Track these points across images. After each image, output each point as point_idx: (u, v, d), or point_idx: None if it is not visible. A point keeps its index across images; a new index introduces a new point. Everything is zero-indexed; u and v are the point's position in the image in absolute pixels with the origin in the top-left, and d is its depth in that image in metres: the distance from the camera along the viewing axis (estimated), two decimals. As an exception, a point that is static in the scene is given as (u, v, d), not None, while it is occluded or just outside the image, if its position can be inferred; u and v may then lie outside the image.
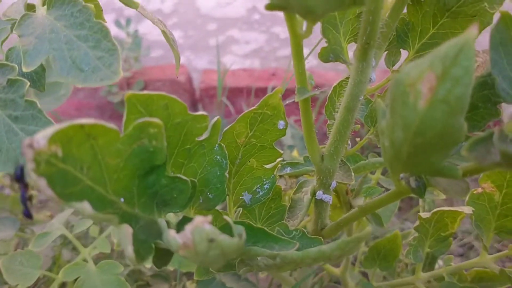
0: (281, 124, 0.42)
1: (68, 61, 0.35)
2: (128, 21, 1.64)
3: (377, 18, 0.35)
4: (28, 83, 0.35)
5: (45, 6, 0.38)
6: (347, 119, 0.41)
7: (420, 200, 1.00)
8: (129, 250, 0.27)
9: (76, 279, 0.61)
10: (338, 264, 0.81)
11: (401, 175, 0.36)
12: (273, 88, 1.27)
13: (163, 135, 0.30)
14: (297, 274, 0.67)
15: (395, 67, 0.49)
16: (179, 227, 0.35)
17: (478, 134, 0.39)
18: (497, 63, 0.32)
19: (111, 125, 0.28)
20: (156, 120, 0.30)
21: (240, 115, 0.41)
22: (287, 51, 1.89)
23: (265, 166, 0.45)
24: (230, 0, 2.32)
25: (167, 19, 2.21)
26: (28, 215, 0.38)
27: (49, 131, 0.24)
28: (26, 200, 0.37)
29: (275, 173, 0.46)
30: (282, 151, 0.45)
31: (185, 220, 0.36)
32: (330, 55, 0.46)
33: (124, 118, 0.31)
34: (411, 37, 0.47)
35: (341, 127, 0.42)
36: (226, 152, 0.39)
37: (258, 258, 0.35)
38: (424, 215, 0.53)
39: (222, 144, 0.39)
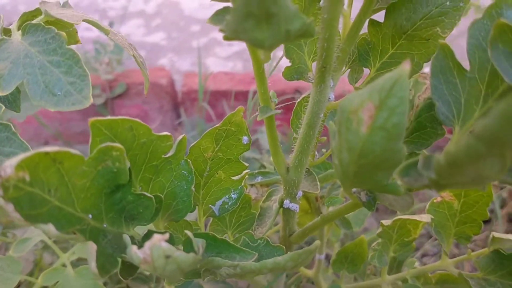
0: (245, 139, 0.44)
1: (41, 85, 0.37)
2: (111, 23, 1.65)
3: (332, 45, 0.38)
4: (3, 107, 0.37)
5: (20, 31, 0.41)
6: (309, 134, 0.44)
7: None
8: (93, 266, 0.30)
9: (55, 284, 0.63)
10: (311, 266, 0.84)
11: (353, 189, 0.39)
12: (254, 92, 1.30)
13: (125, 158, 0.33)
14: (269, 275, 0.70)
15: (358, 83, 0.52)
16: (144, 240, 0.37)
17: (424, 152, 0.42)
18: (437, 89, 0.35)
19: (75, 151, 0.30)
20: (117, 144, 0.32)
21: (205, 132, 0.44)
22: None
23: (233, 177, 0.48)
24: (214, 2, 2.33)
25: (150, 21, 2.22)
26: None
27: (15, 159, 0.27)
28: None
29: (242, 184, 0.49)
30: (260, 155, 0.48)
31: (149, 234, 0.38)
32: (294, 74, 0.48)
33: (90, 141, 0.34)
34: (372, 56, 0.50)
35: (303, 142, 0.45)
36: (192, 167, 0.42)
37: (221, 268, 0.37)
38: (386, 222, 0.55)
39: (188, 160, 0.41)
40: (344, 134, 0.32)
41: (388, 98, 0.29)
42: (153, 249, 0.29)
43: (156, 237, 0.29)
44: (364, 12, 0.40)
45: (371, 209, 0.37)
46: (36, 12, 0.42)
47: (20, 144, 0.36)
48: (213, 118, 1.37)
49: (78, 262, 0.74)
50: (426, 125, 0.40)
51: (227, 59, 1.93)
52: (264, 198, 0.55)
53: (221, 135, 0.44)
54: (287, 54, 0.48)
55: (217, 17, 0.34)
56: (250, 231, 0.49)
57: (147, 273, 0.70)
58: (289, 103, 0.56)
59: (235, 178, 0.48)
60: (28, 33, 0.40)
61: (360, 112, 0.30)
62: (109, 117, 0.34)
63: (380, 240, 0.59)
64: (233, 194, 0.48)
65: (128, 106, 1.47)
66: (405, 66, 0.29)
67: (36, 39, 0.39)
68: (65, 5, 0.43)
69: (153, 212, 0.37)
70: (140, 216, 0.38)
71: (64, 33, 0.38)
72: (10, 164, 0.26)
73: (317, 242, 0.34)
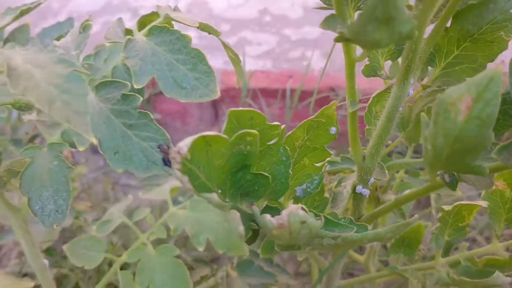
0: (332, 130, 0.51)
1: (170, 80, 0.44)
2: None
3: (418, 47, 0.44)
4: (141, 98, 0.43)
5: (142, 32, 0.47)
6: (388, 126, 0.50)
7: (432, 200, 1.09)
8: (241, 229, 0.36)
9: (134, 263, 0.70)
10: (362, 252, 0.90)
11: (438, 172, 0.45)
12: (291, 90, 1.36)
13: (257, 143, 0.39)
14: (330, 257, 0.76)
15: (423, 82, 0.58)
16: (263, 212, 0.44)
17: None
18: (515, 86, 0.41)
19: (224, 135, 0.36)
20: (253, 131, 0.38)
21: (301, 123, 0.50)
22: (298, 52, 1.97)
23: (316, 164, 0.54)
24: (242, 2, 2.40)
25: (181, 20, 2.29)
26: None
27: (187, 141, 0.33)
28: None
29: (323, 170, 0.55)
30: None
31: (268, 208, 0.44)
32: (370, 71, 0.54)
33: (224, 127, 0.40)
34: (437, 57, 0.55)
35: (381, 133, 0.51)
36: (289, 153, 0.48)
37: (324, 238, 0.44)
38: (446, 207, 0.61)
39: (287, 147, 0.48)
40: (441, 123, 0.38)
41: (485, 92, 0.35)
42: (290, 215, 0.35)
43: (293, 206, 0.35)
44: (445, 18, 0.45)
45: (453, 188, 0.43)
46: (153, 15, 0.49)
47: (157, 129, 0.43)
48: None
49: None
50: (498, 118, 0.46)
51: (257, 58, 1.99)
52: (335, 184, 0.61)
53: (313, 125, 0.50)
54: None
55: (327, 22, 0.40)
56: (334, 211, 0.55)
57: (220, 252, 0.76)
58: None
59: (317, 164, 0.54)
60: (153, 34, 0.46)
61: (458, 103, 0.36)
62: (237, 109, 0.40)
63: (438, 224, 0.64)
64: (315, 179, 0.54)
65: (168, 101, 1.54)
66: (499, 66, 0.35)
67: (161, 39, 0.45)
68: (176, 9, 0.49)
69: (266, 190, 0.43)
70: (254, 193, 0.44)
71: (189, 35, 0.44)
72: (185, 144, 0.33)
73: (416, 216, 0.40)
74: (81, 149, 0.43)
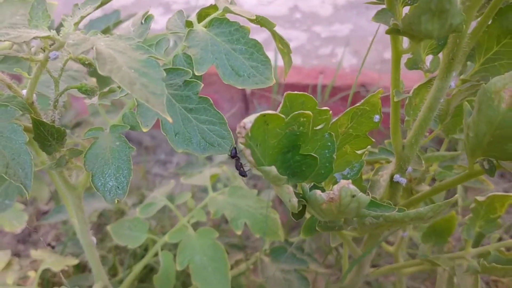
0: (376, 117, 0.53)
1: (228, 68, 0.47)
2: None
3: (462, 41, 0.46)
4: (202, 84, 0.47)
5: (202, 23, 0.50)
6: (428, 117, 0.53)
7: (459, 198, 1.11)
8: (294, 201, 0.39)
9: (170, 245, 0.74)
10: (392, 243, 0.92)
11: (477, 160, 0.48)
12: (322, 86, 1.38)
13: (310, 123, 0.42)
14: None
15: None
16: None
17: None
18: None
19: (281, 114, 0.40)
20: (307, 112, 0.41)
21: (345, 110, 0.53)
22: (328, 49, 2.00)
23: (357, 151, 0.57)
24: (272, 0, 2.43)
25: (212, 16, 2.33)
26: (244, 175, 0.51)
27: (251, 118, 0.37)
28: (240, 167, 0.50)
29: (363, 158, 0.57)
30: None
31: (314, 187, 0.48)
32: (413, 64, 0.57)
33: (279, 109, 0.43)
34: (477, 52, 0.58)
35: (422, 123, 0.54)
36: (334, 139, 0.51)
37: (366, 217, 0.46)
38: (480, 198, 0.63)
39: (332, 133, 0.50)
40: (484, 110, 0.40)
41: (528, 82, 0.37)
42: (342, 189, 0.38)
43: (344, 181, 0.38)
44: (489, 15, 0.48)
45: (492, 175, 0.46)
46: (211, 8, 0.52)
47: (215, 113, 0.46)
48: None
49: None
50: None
51: (287, 55, 2.02)
52: (373, 172, 0.64)
53: (357, 113, 0.53)
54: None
55: (379, 16, 0.43)
56: (374, 196, 0.58)
57: (257, 236, 0.79)
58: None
59: (358, 152, 0.57)
60: (213, 26, 0.49)
61: (502, 92, 0.39)
62: (292, 92, 0.43)
63: (470, 215, 0.67)
64: (355, 166, 0.57)
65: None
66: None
67: (221, 30, 0.49)
68: (232, 2, 0.53)
69: (312, 171, 0.46)
70: (300, 173, 0.47)
71: (248, 26, 0.47)
72: (249, 121, 0.36)
73: (456, 196, 0.42)
74: (144, 130, 0.46)
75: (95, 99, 0.55)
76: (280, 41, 0.55)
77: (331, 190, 0.39)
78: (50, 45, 0.43)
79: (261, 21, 0.51)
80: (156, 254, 0.77)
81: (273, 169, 0.38)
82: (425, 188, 0.67)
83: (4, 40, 0.36)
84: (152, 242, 0.84)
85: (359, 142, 0.56)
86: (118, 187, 0.48)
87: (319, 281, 0.95)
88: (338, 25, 2.09)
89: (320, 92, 1.40)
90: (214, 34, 0.48)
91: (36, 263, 0.85)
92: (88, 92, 0.52)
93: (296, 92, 0.44)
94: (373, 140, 0.55)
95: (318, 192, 0.40)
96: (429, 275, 1.10)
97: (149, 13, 0.55)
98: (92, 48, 0.35)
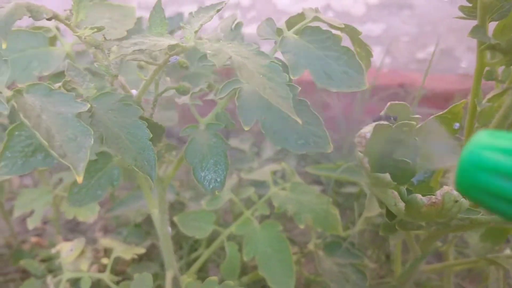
0: (456, 125, 0.56)
1: (321, 73, 0.51)
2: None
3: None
4: (299, 88, 0.50)
5: (292, 31, 0.54)
6: (502, 125, 0.56)
7: None
8: (402, 206, 0.43)
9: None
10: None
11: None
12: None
13: (412, 133, 0.45)
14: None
15: None
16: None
17: None
18: None
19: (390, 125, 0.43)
20: (412, 122, 0.45)
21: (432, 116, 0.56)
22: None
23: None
24: (305, -2, 2.45)
25: (245, 13, 2.37)
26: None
27: (369, 128, 0.40)
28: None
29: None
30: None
31: (408, 191, 0.51)
32: (490, 76, 0.60)
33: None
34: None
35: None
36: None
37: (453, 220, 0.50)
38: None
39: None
40: None
41: None
42: (445, 195, 0.42)
43: (447, 187, 0.42)
44: None
45: None
46: (298, 16, 0.56)
47: (312, 115, 0.50)
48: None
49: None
50: None
51: (321, 53, 2.05)
52: (441, 175, 0.67)
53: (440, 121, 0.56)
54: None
55: (474, 32, 0.47)
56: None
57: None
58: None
59: None
60: (305, 33, 0.53)
61: None
62: (393, 102, 0.47)
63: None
64: (428, 170, 0.60)
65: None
66: None
67: (313, 38, 0.52)
68: (317, 10, 0.56)
69: (405, 175, 0.50)
70: (393, 177, 0.50)
71: (339, 34, 0.51)
72: (368, 131, 0.40)
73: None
74: (246, 129, 0.50)
75: (185, 98, 0.60)
76: (360, 45, 0.58)
77: (432, 195, 0.43)
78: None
79: (348, 30, 0.55)
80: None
81: (387, 176, 0.41)
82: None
83: (145, 49, 0.40)
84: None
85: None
86: (217, 180, 0.52)
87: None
88: (371, 24, 2.11)
89: (360, 92, 1.43)
90: (306, 41, 0.52)
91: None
92: (185, 92, 0.56)
93: (396, 102, 0.47)
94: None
95: (419, 196, 0.44)
96: (469, 272, 1.13)
97: (237, 20, 0.58)
98: (228, 57, 0.39)
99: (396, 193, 0.44)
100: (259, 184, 0.92)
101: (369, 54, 0.59)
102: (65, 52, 0.54)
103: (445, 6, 1.90)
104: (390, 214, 0.49)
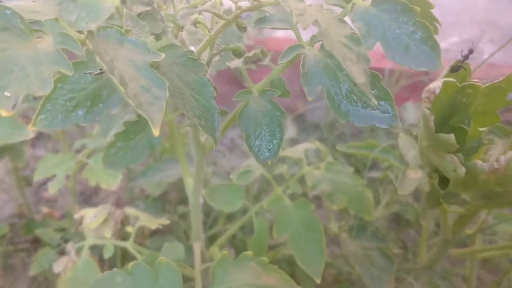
0: (510, 96, 0.53)
1: (393, 45, 0.48)
2: None
3: None
4: (371, 60, 0.48)
5: (365, -1, 0.51)
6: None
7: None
8: (462, 170, 0.41)
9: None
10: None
11: None
12: (390, 71, 1.38)
13: (474, 96, 0.43)
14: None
15: None
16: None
17: None
18: None
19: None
20: (478, 83, 0.42)
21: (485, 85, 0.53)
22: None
23: (479, 128, 0.57)
24: None
25: None
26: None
27: (438, 83, 0.38)
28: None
29: (483, 135, 0.57)
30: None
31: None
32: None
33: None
34: None
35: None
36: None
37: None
38: None
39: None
40: None
41: None
42: (510, 161, 0.39)
43: (510, 152, 0.39)
44: None
45: None
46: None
47: (381, 89, 0.47)
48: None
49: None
50: None
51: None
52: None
53: (493, 90, 0.53)
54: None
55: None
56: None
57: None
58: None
59: (481, 129, 0.57)
60: (378, 1, 0.50)
61: None
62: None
63: None
64: (473, 143, 0.57)
65: (260, 71, 1.58)
66: None
67: (386, 7, 0.49)
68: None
69: (460, 142, 0.47)
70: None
71: (417, 8, 0.48)
72: (438, 86, 0.37)
73: None
74: (310, 99, 0.47)
75: (238, 62, 0.57)
76: (430, 20, 0.55)
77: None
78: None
79: (420, 2, 0.52)
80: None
81: (451, 137, 0.39)
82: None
83: None
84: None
85: (485, 119, 0.56)
86: (270, 150, 0.50)
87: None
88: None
89: (388, 76, 1.40)
90: (378, 10, 0.49)
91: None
92: (241, 54, 0.53)
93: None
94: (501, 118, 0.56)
95: (479, 162, 0.41)
96: (484, 264, 1.11)
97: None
98: (313, 19, 0.36)
99: (455, 157, 0.41)
100: (290, 163, 0.90)
101: (436, 31, 0.56)
102: (115, 4, 0.51)
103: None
104: (443, 182, 0.46)
